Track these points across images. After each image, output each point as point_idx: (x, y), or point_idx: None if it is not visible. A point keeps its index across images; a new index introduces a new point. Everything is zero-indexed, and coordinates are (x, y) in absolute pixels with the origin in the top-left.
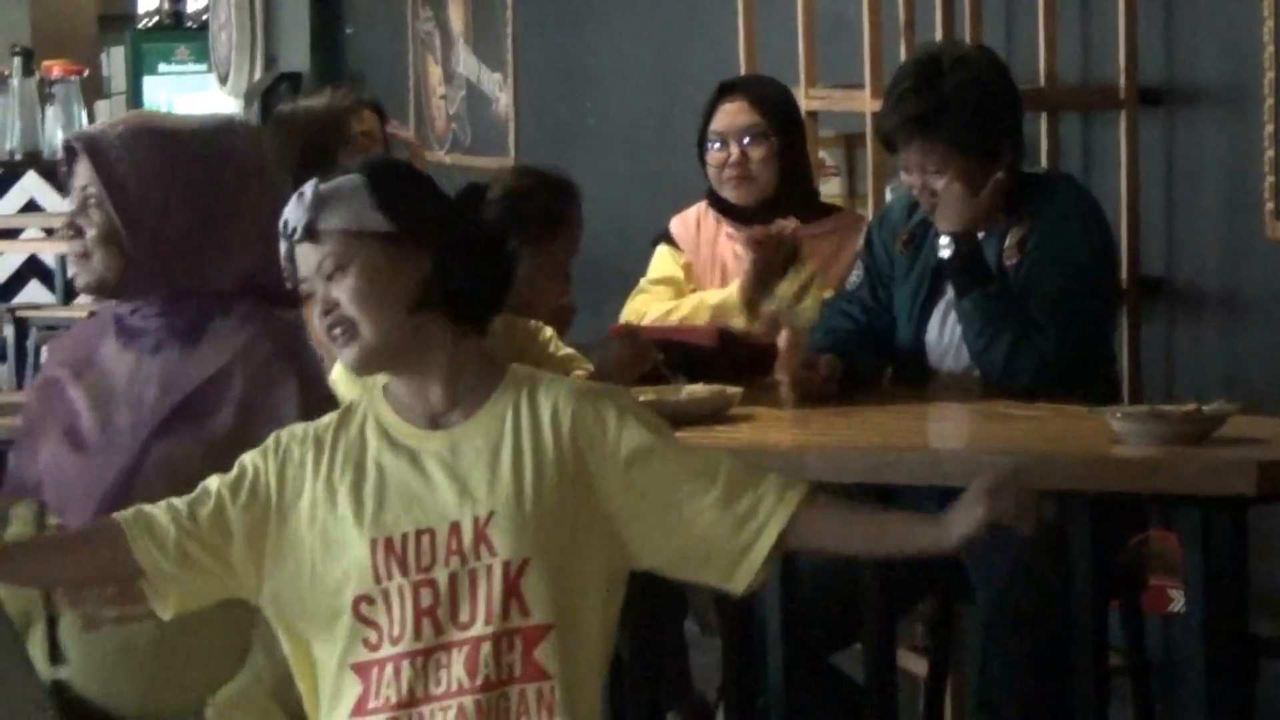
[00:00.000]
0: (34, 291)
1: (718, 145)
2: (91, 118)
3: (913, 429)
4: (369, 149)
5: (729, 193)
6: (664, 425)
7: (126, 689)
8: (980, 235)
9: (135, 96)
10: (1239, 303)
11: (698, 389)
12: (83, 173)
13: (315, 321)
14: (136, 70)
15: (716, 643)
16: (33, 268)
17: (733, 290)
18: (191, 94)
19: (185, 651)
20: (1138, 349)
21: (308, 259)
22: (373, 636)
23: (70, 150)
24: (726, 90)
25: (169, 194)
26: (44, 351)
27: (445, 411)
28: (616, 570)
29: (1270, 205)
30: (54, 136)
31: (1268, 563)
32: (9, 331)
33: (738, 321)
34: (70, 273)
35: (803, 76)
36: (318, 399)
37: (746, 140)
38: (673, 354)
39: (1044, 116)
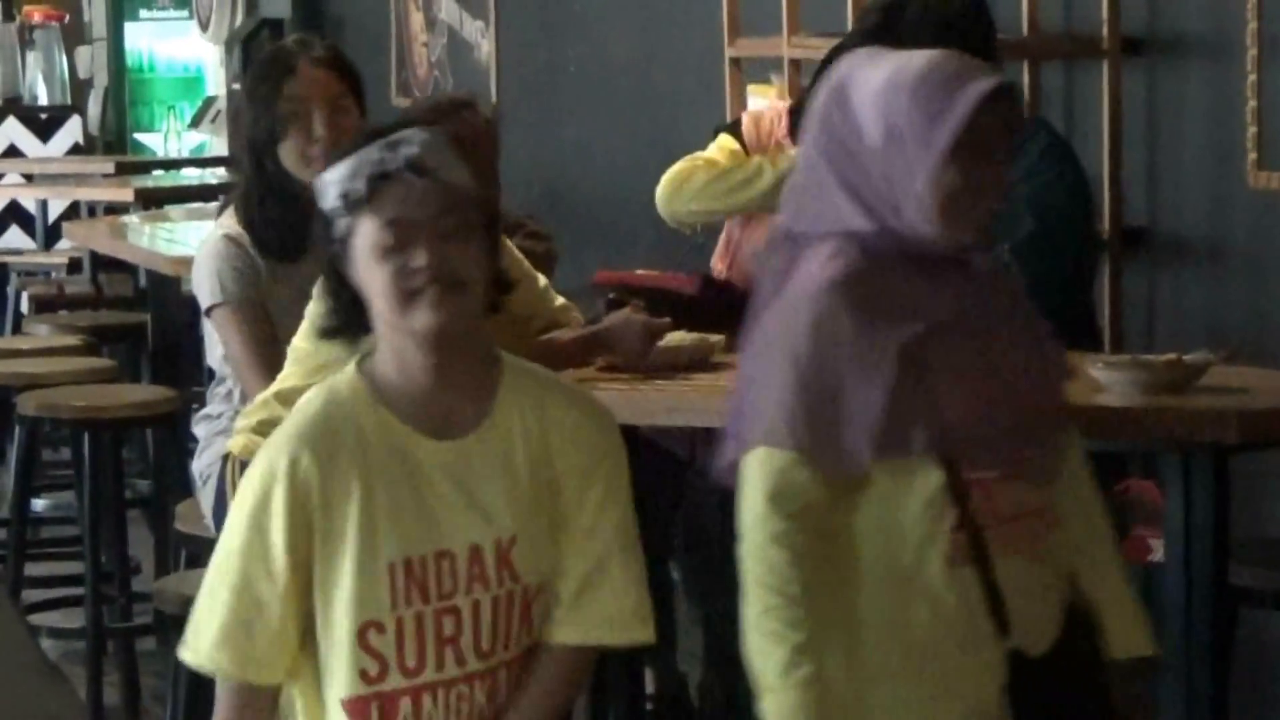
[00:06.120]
0: (14, 237)
1: None
2: (72, 63)
3: None
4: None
5: None
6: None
7: None
8: None
9: (116, 42)
10: (1221, 253)
11: (680, 337)
12: None
13: (387, 270)
14: (117, 16)
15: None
16: (13, 213)
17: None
18: (172, 40)
19: None
20: (1119, 299)
21: (423, 201)
22: (374, 668)
23: None
24: None
25: None
26: (827, 299)
27: (452, 415)
28: None
29: (1253, 155)
30: (34, 82)
31: (1248, 512)
32: None
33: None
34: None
35: (785, 25)
36: None
37: None
38: (654, 302)
39: (1026, 65)
